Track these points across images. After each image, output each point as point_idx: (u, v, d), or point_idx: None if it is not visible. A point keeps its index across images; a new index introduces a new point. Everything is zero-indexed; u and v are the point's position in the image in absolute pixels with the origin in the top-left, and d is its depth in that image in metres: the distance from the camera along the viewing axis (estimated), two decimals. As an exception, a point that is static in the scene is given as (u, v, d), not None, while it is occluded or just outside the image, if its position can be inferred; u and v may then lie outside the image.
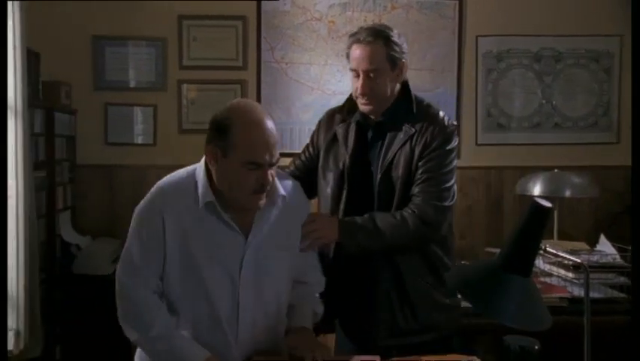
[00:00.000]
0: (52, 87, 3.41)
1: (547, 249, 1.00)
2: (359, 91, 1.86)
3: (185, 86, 3.77)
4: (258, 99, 3.75)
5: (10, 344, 2.59)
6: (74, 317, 3.35)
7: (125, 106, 3.75)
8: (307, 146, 2.11)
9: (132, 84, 3.77)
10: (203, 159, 1.59)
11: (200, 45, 3.77)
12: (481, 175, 3.95)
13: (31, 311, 2.70)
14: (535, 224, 0.99)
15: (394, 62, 1.85)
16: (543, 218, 1.00)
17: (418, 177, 1.84)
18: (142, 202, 1.60)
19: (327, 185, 1.97)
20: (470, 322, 2.27)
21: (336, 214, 1.91)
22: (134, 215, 1.60)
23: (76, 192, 3.72)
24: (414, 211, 1.81)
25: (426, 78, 3.89)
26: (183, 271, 1.55)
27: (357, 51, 1.84)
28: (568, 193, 3.10)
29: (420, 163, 1.84)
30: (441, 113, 1.92)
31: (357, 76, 1.86)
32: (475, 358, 1.58)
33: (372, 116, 1.92)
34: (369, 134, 1.94)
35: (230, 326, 1.58)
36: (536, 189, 3.12)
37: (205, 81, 3.75)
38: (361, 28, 1.89)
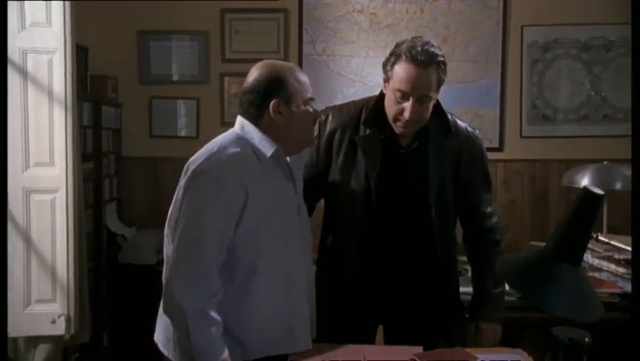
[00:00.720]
0: (100, 81, 3.50)
1: (600, 238, 0.97)
2: (407, 116, 1.73)
3: (227, 79, 3.81)
4: (299, 92, 3.75)
5: (62, 330, 2.67)
6: (120, 306, 3.44)
7: (168, 99, 3.82)
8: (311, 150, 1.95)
9: (176, 78, 3.83)
10: (237, 126, 1.66)
11: (243, 38, 3.80)
12: (525, 168, 3.87)
13: (80, 298, 2.78)
14: (586, 211, 0.96)
15: (439, 86, 1.77)
16: (595, 205, 0.96)
17: (479, 192, 1.92)
18: (209, 165, 1.54)
19: (348, 200, 1.87)
20: (516, 316, 2.23)
21: (360, 233, 1.85)
22: (202, 178, 1.54)
23: (122, 183, 3.81)
24: (499, 239, 1.99)
25: (469, 70, 3.82)
26: (262, 229, 1.57)
27: (411, 73, 1.69)
28: (619, 186, 2.99)
29: (475, 180, 1.90)
30: (469, 127, 1.93)
31: (404, 97, 1.73)
32: (520, 350, 1.55)
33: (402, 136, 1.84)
34: (400, 151, 1.86)
35: (300, 279, 1.66)
36: (585, 181, 3.02)
37: (247, 74, 3.77)
38: (410, 44, 1.73)
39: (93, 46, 3.47)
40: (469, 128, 1.91)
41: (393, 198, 1.84)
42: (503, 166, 3.88)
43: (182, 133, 3.84)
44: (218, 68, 3.81)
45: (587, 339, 1.14)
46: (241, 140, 1.61)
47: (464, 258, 3.05)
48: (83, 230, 2.92)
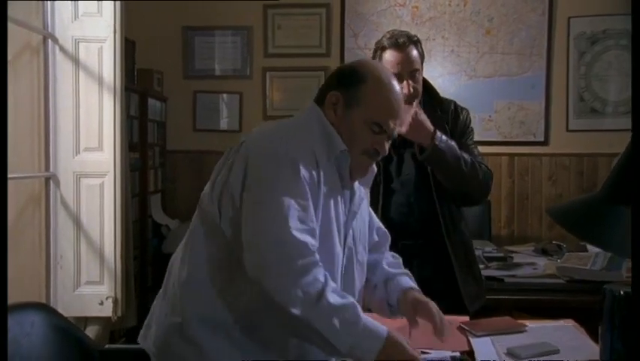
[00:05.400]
0: (146, 74, 3.59)
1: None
2: (406, 92, 1.89)
3: (269, 74, 3.86)
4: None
5: (109, 311, 2.73)
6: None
7: (212, 93, 3.89)
8: None
9: (219, 72, 3.90)
10: (311, 111, 1.39)
11: (285, 33, 3.85)
12: (572, 163, 3.78)
13: (126, 282, 2.84)
14: (642, 151, 0.93)
15: (422, 60, 2.04)
16: (652, 145, 0.94)
17: (470, 145, 2.07)
18: (279, 145, 1.29)
19: None
20: (560, 298, 2.20)
21: (375, 206, 1.97)
22: (273, 159, 1.27)
23: (166, 176, 3.89)
24: (482, 164, 2.01)
25: (513, 62, 3.77)
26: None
27: (398, 55, 1.94)
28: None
29: (466, 135, 2.08)
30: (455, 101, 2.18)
31: (398, 78, 1.82)
32: (570, 320, 1.51)
33: None
34: None
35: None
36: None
37: (289, 68, 3.83)
38: (391, 34, 1.99)
39: (140, 41, 3.58)
40: (455, 102, 2.15)
41: (400, 165, 2.06)
42: (549, 160, 3.80)
43: (225, 127, 3.90)
44: (261, 63, 3.87)
45: (642, 294, 1.10)
46: (312, 127, 1.36)
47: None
48: (129, 216, 2.98)
